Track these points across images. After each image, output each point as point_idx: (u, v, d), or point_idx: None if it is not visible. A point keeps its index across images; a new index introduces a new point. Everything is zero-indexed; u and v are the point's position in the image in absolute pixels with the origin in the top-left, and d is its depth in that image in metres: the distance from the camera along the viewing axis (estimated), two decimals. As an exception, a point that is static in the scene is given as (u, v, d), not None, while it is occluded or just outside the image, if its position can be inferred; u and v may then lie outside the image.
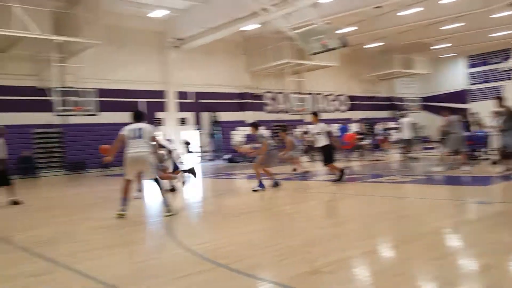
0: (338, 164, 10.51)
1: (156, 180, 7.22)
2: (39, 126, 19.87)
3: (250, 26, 22.29)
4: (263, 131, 10.26)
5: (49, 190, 14.36)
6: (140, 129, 7.23)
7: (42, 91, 19.59)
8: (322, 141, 10.12)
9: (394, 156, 18.48)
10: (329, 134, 10.20)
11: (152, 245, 5.44)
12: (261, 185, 9.49)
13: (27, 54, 19.17)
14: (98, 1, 17.77)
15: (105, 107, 19.90)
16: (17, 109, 19.31)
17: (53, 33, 17.40)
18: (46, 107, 18.99)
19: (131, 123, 7.35)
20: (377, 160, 17.08)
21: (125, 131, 7.19)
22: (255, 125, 10.15)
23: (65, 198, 10.69)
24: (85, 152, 19.29)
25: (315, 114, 10.66)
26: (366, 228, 5.48)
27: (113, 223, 6.67)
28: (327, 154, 10.13)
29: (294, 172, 13.48)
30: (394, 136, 22.68)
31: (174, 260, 4.41)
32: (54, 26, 18.06)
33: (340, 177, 10.07)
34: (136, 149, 7.07)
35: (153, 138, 7.38)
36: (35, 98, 19.68)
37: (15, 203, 9.48)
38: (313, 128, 10.51)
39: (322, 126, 10.20)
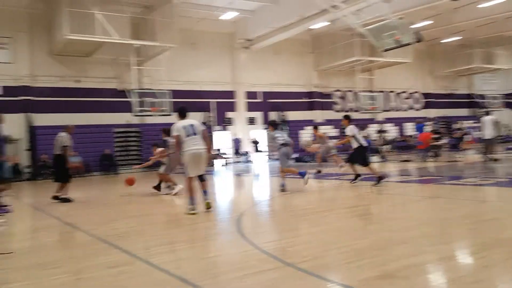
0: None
1: (202, 176, 7.37)
2: (119, 126, 21.16)
3: (319, 24, 22.04)
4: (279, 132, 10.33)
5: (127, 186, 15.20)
6: (192, 125, 7.23)
7: (122, 93, 20.84)
8: (354, 143, 10.20)
9: (473, 156, 17.35)
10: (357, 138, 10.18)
11: (220, 242, 5.57)
12: (301, 173, 9.49)
13: (108, 58, 20.52)
14: (173, 6, 18.54)
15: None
16: (100, 110, 20.73)
17: (131, 38, 18.47)
18: (125, 108, 20.17)
19: (180, 120, 7.32)
20: (455, 161, 16.15)
21: (179, 130, 7.14)
22: (273, 124, 10.40)
23: (141, 194, 11.26)
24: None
25: (346, 117, 10.62)
26: (442, 232, 5.20)
27: (184, 219, 6.93)
28: (354, 156, 10.23)
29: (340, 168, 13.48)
30: (475, 135, 21.32)
31: (242, 258, 4.49)
32: (132, 31, 19.14)
33: (356, 177, 10.12)
34: (195, 146, 7.09)
35: (204, 133, 7.33)
36: (115, 100, 20.99)
37: (66, 200, 9.75)
38: (346, 131, 10.53)
39: (350, 129, 10.20)
